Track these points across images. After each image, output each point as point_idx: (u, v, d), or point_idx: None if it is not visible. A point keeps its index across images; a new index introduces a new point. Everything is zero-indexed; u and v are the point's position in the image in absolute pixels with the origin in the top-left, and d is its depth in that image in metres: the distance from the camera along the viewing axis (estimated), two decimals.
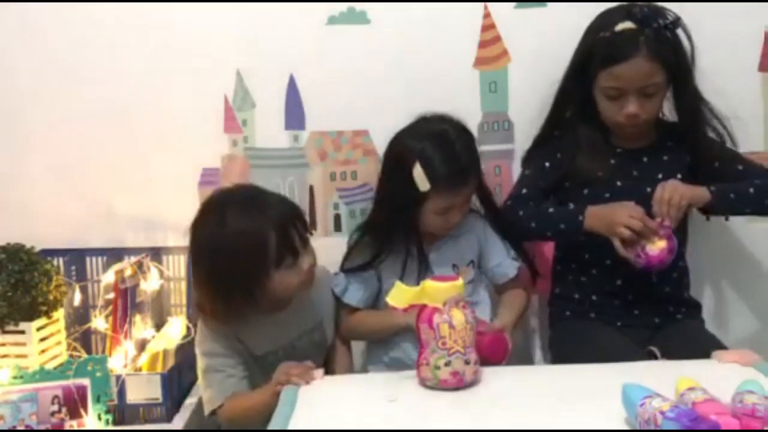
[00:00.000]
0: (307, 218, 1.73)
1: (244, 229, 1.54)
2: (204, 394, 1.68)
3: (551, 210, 1.84)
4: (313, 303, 1.77)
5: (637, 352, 1.70)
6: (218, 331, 1.66)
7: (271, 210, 1.59)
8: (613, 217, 1.70)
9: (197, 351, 1.70)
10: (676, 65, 1.78)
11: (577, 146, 1.85)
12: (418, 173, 1.66)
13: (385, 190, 1.78)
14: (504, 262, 1.84)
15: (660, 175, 1.81)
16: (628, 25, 1.74)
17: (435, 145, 1.68)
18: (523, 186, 1.90)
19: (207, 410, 1.66)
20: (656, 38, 1.73)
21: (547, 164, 1.90)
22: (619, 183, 1.83)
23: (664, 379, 1.20)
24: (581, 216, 1.76)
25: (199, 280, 1.62)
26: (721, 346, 1.67)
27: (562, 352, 1.86)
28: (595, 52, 1.79)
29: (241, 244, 1.54)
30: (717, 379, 1.22)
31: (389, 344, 1.79)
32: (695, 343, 1.73)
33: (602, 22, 1.80)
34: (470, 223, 1.82)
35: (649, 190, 1.77)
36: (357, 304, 1.80)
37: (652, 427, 1.09)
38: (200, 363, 1.68)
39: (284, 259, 1.58)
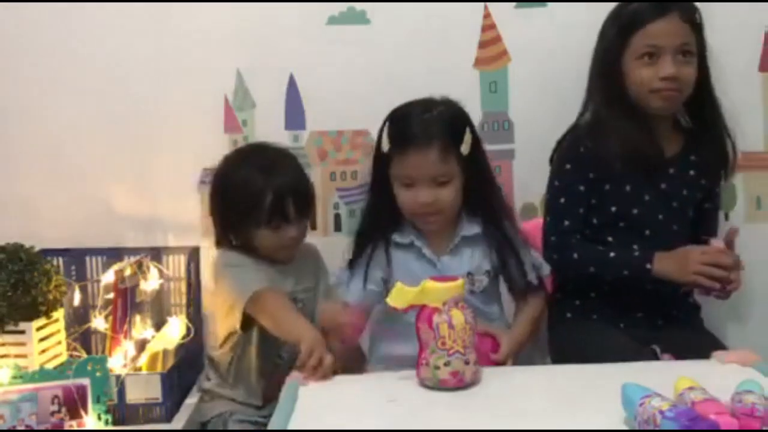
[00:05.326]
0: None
1: (250, 182, 1.72)
2: (235, 287, 1.68)
3: (612, 254, 1.79)
4: (304, 271, 1.84)
5: (640, 351, 1.70)
6: (236, 252, 1.76)
7: (281, 176, 1.73)
8: (685, 267, 1.70)
9: (218, 269, 1.75)
10: (702, 42, 1.80)
11: (611, 158, 1.77)
12: (384, 133, 1.72)
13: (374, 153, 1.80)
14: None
15: (684, 191, 1.84)
16: None
17: (407, 110, 1.73)
18: (563, 217, 1.83)
19: (245, 296, 1.64)
20: (687, 4, 1.77)
21: (581, 188, 1.82)
22: (647, 197, 1.81)
23: (664, 379, 1.19)
24: (649, 264, 1.74)
25: (209, 206, 1.83)
26: (721, 346, 1.67)
27: (562, 354, 1.86)
28: (625, 24, 1.78)
29: (241, 193, 1.72)
30: (717, 379, 1.21)
31: (390, 341, 1.78)
32: (695, 343, 1.73)
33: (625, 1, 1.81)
34: (489, 230, 1.78)
35: (675, 204, 1.81)
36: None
37: (652, 427, 1.09)
38: (225, 273, 1.73)
39: (272, 221, 1.71)
